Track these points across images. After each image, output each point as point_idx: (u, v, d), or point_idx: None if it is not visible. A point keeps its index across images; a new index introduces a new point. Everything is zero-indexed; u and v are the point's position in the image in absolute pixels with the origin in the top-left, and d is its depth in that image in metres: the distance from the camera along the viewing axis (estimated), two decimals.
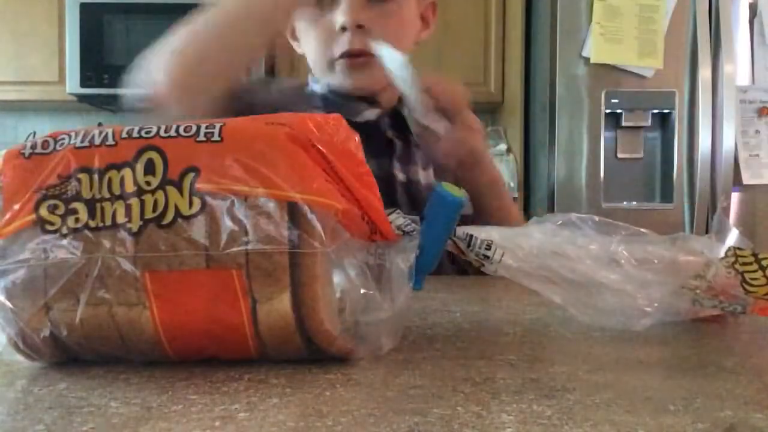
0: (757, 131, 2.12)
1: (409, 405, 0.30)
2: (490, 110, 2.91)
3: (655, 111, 2.12)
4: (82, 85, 2.55)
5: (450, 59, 2.66)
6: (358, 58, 0.83)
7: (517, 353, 0.41)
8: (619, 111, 2.11)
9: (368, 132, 0.88)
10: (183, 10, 0.88)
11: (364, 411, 0.30)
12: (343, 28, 0.81)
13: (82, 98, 2.65)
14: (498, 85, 2.67)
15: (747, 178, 2.10)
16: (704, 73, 2.07)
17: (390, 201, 0.85)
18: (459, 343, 0.43)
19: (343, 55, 0.83)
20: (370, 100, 0.88)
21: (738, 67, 2.09)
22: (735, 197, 2.10)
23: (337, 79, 0.86)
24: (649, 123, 2.12)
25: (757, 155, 2.11)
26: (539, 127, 2.35)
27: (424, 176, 0.89)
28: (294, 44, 0.92)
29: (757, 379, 0.36)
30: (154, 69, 0.78)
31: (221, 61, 0.77)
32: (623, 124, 2.12)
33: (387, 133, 0.88)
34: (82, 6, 2.54)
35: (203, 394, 0.32)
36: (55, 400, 0.31)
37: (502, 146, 2.59)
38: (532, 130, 2.47)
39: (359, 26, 0.81)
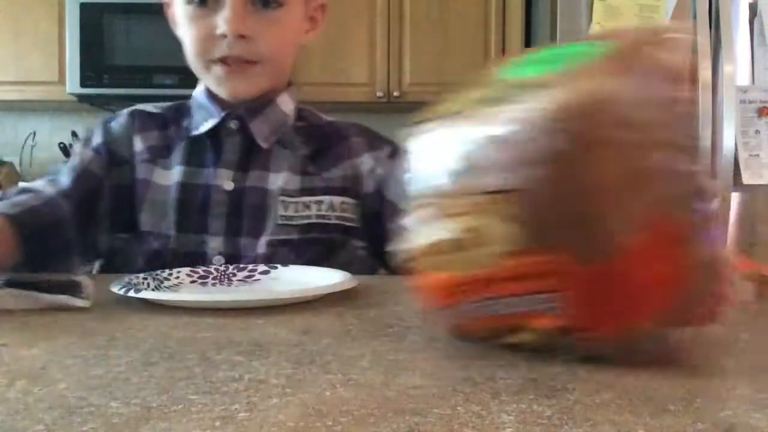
0: (757, 131, 2.12)
1: (409, 405, 0.30)
2: None
3: None
4: (82, 85, 2.55)
5: (450, 59, 2.66)
6: (235, 66, 0.83)
7: (517, 353, 0.41)
8: None
9: (206, 145, 0.87)
10: None
11: (364, 411, 0.30)
12: (224, 35, 0.81)
13: (82, 98, 2.65)
14: None
15: (747, 178, 2.10)
16: (704, 73, 2.07)
17: (202, 210, 0.84)
18: (459, 343, 0.43)
19: (221, 60, 0.83)
20: (225, 109, 0.87)
21: (738, 67, 2.09)
22: (735, 197, 2.10)
23: (213, 84, 0.86)
24: None
25: (757, 155, 2.11)
26: None
27: (278, 180, 0.86)
28: (175, 29, 0.90)
29: (757, 379, 0.36)
30: None
31: None
32: None
33: (224, 141, 0.87)
34: (82, 6, 2.54)
35: (203, 394, 0.32)
36: (55, 400, 0.31)
37: None
38: None
39: (241, 36, 0.81)
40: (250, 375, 0.35)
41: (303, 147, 0.90)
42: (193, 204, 0.85)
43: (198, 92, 0.92)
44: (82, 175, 0.86)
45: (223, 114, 0.87)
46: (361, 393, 0.32)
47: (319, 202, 0.87)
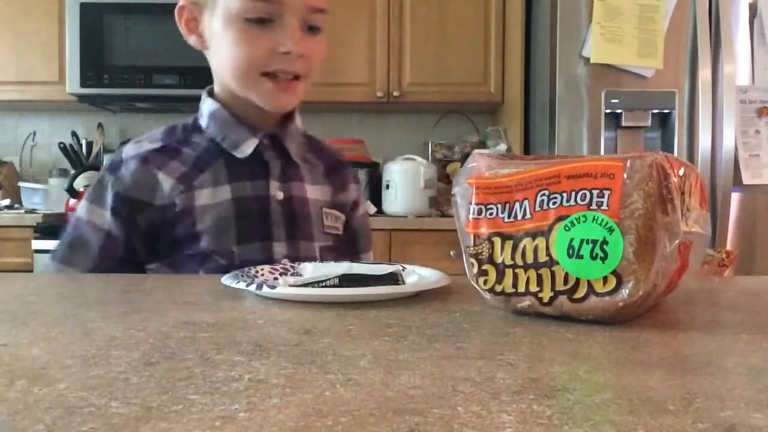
0: (757, 131, 2.12)
1: (409, 405, 0.30)
2: (490, 110, 2.91)
3: (655, 111, 2.12)
4: (82, 85, 2.56)
5: (450, 59, 2.66)
6: (284, 82, 0.89)
7: (517, 353, 0.41)
8: (619, 111, 2.11)
9: (245, 160, 0.93)
10: None
11: (364, 411, 0.30)
12: (287, 53, 0.87)
13: (82, 98, 2.65)
14: (498, 85, 2.68)
15: (747, 178, 2.10)
16: (704, 73, 2.07)
17: (263, 219, 0.92)
18: (459, 343, 0.43)
19: (278, 73, 0.88)
20: (254, 127, 0.94)
21: (738, 67, 2.10)
22: (735, 197, 2.10)
23: (260, 96, 0.91)
24: (649, 123, 2.12)
25: (757, 155, 2.11)
26: (539, 127, 2.35)
27: (313, 191, 0.98)
28: (199, 46, 0.94)
29: (757, 379, 0.36)
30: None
31: None
32: (623, 124, 2.12)
33: (264, 156, 0.95)
34: (82, 6, 2.54)
35: (203, 394, 0.32)
36: (55, 400, 0.31)
37: (502, 146, 2.59)
38: (532, 130, 2.47)
39: (301, 54, 0.88)
40: (250, 375, 0.35)
41: (319, 164, 1.02)
42: (252, 216, 0.92)
43: (214, 109, 0.95)
44: (108, 245, 0.90)
45: (260, 135, 0.94)
46: (361, 393, 0.32)
47: (338, 218, 1.01)
